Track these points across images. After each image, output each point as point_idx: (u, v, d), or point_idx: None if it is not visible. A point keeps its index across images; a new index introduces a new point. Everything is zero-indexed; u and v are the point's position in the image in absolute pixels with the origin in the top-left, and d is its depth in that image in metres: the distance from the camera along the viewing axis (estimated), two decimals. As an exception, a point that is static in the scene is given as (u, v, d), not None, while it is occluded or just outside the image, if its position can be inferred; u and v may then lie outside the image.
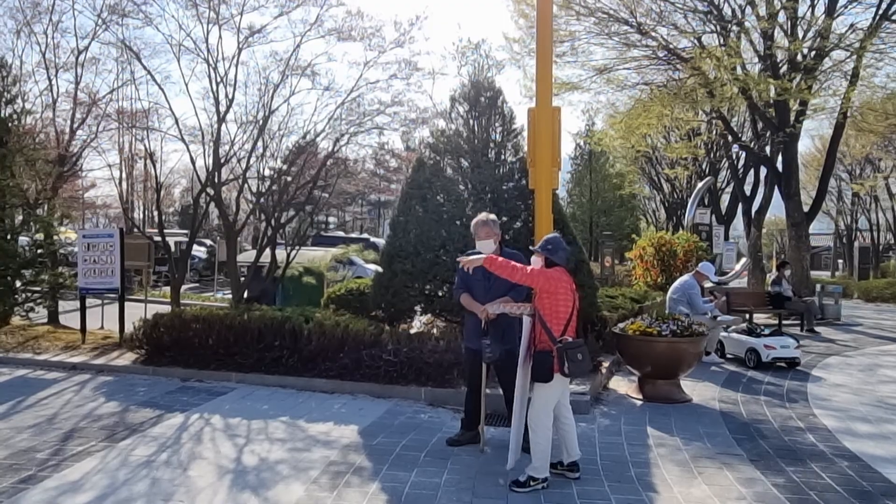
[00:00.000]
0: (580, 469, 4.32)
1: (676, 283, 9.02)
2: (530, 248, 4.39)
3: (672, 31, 15.40)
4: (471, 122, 8.14)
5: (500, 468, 4.41)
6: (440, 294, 7.05)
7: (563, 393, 4.34)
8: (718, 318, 8.86)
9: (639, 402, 6.43)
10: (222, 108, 9.19)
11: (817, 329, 12.42)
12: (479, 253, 4.42)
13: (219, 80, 9.22)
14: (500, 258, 4.24)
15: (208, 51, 9.25)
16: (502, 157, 8.02)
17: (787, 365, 8.24)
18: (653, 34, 15.37)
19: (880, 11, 13.69)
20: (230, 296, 9.64)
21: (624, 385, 7.08)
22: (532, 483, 4.08)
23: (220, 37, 9.47)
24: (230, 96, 9.29)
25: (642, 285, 13.21)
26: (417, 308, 7.21)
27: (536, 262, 4.36)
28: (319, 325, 6.69)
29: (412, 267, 7.11)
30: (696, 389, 6.93)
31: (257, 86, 9.85)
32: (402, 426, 5.41)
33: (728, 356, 8.75)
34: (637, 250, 13.94)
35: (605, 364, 7.37)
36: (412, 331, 6.95)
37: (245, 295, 8.25)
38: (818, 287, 15.16)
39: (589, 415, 5.82)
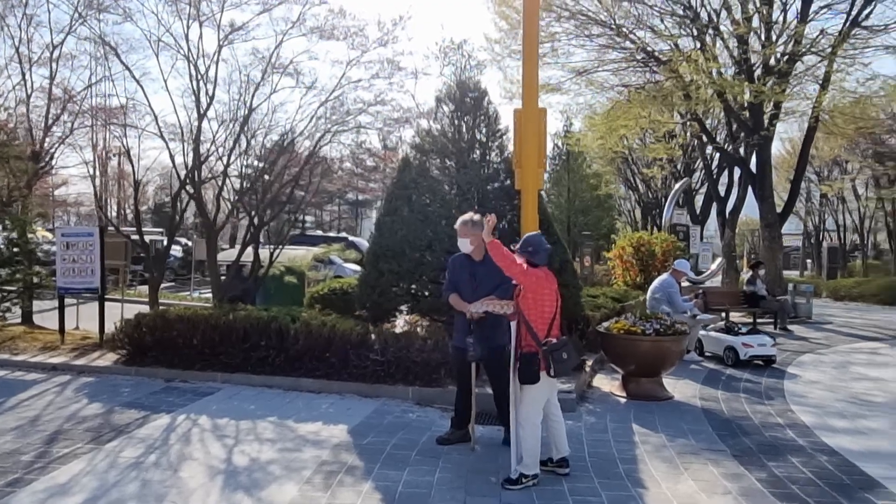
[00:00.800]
0: (570, 465, 4.39)
1: (656, 283, 9.19)
2: (512, 248, 4.45)
3: (650, 34, 15.64)
4: (456, 122, 8.17)
5: (491, 466, 4.46)
6: (426, 294, 7.08)
7: (551, 391, 4.41)
8: (698, 317, 9.04)
9: (623, 400, 6.54)
10: (203, 106, 9.10)
11: (790, 327, 12.73)
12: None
13: (199, 77, 9.12)
14: (505, 248, 4.27)
15: (189, 47, 9.15)
16: (487, 157, 8.08)
17: (763, 363, 8.44)
18: (631, 37, 15.59)
19: (851, 18, 14.06)
20: (208, 295, 9.54)
21: (608, 383, 7.19)
22: (524, 480, 4.14)
23: (201, 33, 9.36)
24: (211, 93, 9.20)
25: (622, 285, 13.40)
26: (403, 308, 7.23)
27: (519, 261, 4.42)
28: (306, 325, 6.67)
29: (399, 267, 7.13)
30: (678, 387, 7.07)
31: (238, 83, 9.74)
32: (391, 425, 5.43)
33: (707, 354, 8.94)
34: (617, 250, 14.13)
35: (589, 362, 7.48)
36: (397, 330, 6.96)
37: (227, 294, 8.18)
38: (791, 286, 15.53)
39: (575, 412, 5.90)
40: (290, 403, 6.07)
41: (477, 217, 4.87)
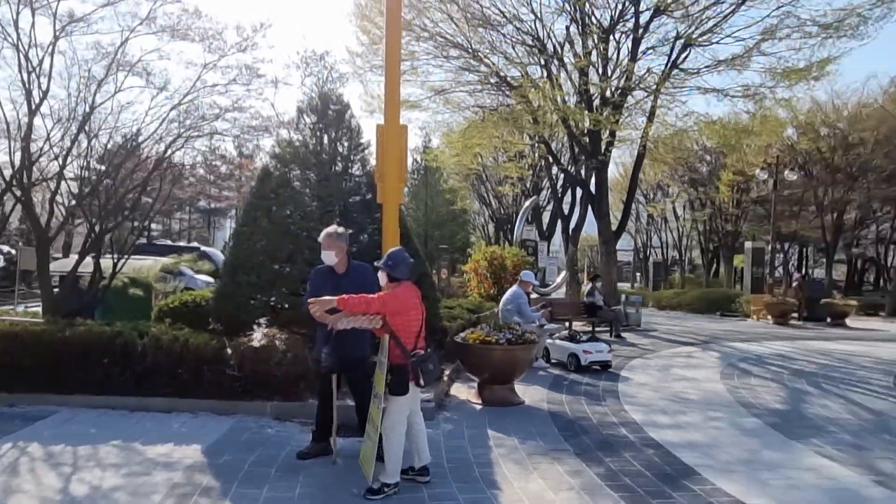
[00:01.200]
0: (430, 473, 4.57)
1: (507, 295, 9.77)
2: (375, 264, 4.58)
3: (503, 60, 16.63)
4: (318, 134, 8.17)
5: (353, 478, 4.51)
6: (286, 306, 6.97)
7: (414, 400, 4.58)
8: (545, 327, 9.73)
9: (478, 407, 6.88)
10: (35, 100, 8.23)
11: (623, 334, 14.07)
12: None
13: (31, 68, 8.24)
14: (353, 298, 4.34)
15: (18, 35, 8.24)
16: (350, 170, 8.15)
17: (601, 367, 9.28)
18: (486, 61, 16.48)
19: (671, 60, 15.97)
20: (37, 309, 8.61)
21: (464, 391, 7.52)
22: (386, 490, 4.25)
23: (34, 21, 8.47)
24: (45, 87, 8.35)
25: (477, 296, 14.02)
26: (262, 321, 7.05)
27: (382, 277, 4.56)
28: (156, 340, 6.28)
29: (258, 279, 6.95)
30: (528, 392, 7.57)
31: (78, 78, 8.93)
32: (249, 442, 5.29)
33: (553, 361, 9.65)
34: (472, 263, 14.76)
35: (447, 372, 7.77)
36: (255, 344, 6.76)
37: (64, 308, 7.43)
38: (623, 297, 17.14)
39: (434, 420, 6.12)
40: (137, 424, 5.68)
41: (341, 229, 4.94)
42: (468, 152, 18.70)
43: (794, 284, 22.51)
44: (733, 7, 14.88)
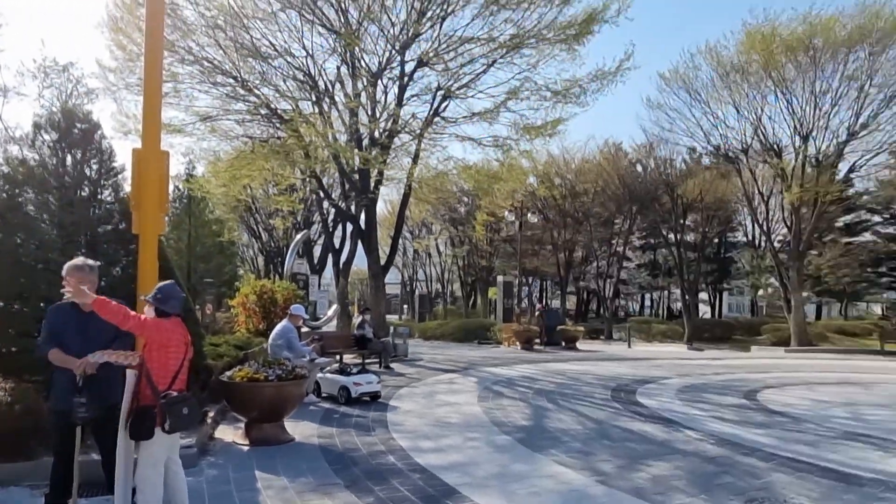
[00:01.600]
0: (192, 523, 4.28)
1: (276, 329, 9.58)
2: (143, 297, 4.24)
3: (274, 92, 16.47)
4: (60, 153, 7.23)
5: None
6: (14, 349, 5.98)
7: (171, 447, 4.27)
8: (316, 361, 9.71)
9: (246, 448, 6.60)
10: None
11: (392, 365, 14.59)
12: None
13: None
14: (114, 301, 3.99)
15: None
16: (99, 196, 7.34)
17: (371, 398, 9.52)
18: (256, 92, 16.16)
19: (433, 108, 17.36)
20: None
21: (230, 433, 7.15)
22: (143, 547, 3.89)
23: None
24: None
25: (245, 332, 13.41)
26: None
27: (149, 311, 4.25)
28: None
29: (-26, 319, 5.87)
30: (298, 428, 7.46)
31: None
32: (-41, 517, 4.42)
33: (324, 395, 9.64)
34: (241, 297, 14.12)
35: (212, 413, 7.32)
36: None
37: None
38: (392, 329, 17.80)
39: (196, 467, 5.72)
40: None
41: (92, 262, 4.46)
42: (237, 183, 17.99)
43: (537, 314, 25.51)
44: (485, 67, 16.79)
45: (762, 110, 24.91)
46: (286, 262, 19.68)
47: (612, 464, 6.14)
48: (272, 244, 32.31)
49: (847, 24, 22.20)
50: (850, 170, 26.66)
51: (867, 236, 38.29)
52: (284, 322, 9.65)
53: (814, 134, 24.18)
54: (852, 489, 5.40)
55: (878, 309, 41.04)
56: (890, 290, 39.39)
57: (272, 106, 16.43)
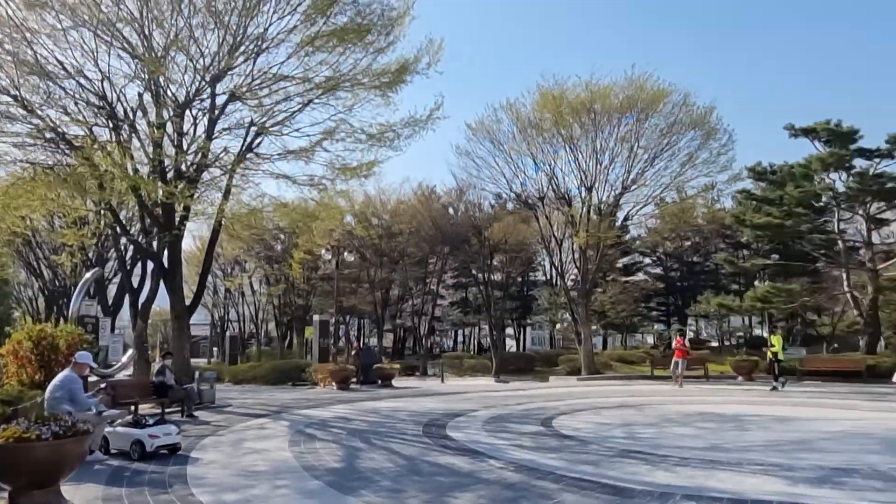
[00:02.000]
0: None
1: (56, 380, 8.54)
2: None
3: (63, 115, 14.88)
4: None
5: None
6: None
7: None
8: (104, 414, 8.78)
9: (10, 521, 5.76)
10: None
11: (196, 413, 13.60)
12: None
13: None
14: None
15: None
16: None
17: (169, 451, 8.81)
18: (39, 113, 14.48)
19: (246, 143, 16.87)
20: None
21: (-10, 505, 6.19)
22: None
23: None
24: None
25: (16, 384, 11.65)
26: None
27: None
28: None
29: None
30: (79, 492, 6.69)
31: None
32: None
33: (113, 451, 8.72)
34: (11, 345, 12.27)
35: (-34, 485, 6.27)
36: None
37: None
38: (197, 374, 16.63)
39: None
40: None
41: None
42: (12, 213, 15.76)
43: (353, 353, 25.51)
44: (301, 106, 16.77)
45: (555, 163, 28.03)
46: (72, 303, 17.58)
47: (420, 499, 6.37)
48: (57, 283, 28.55)
49: (619, 93, 26.06)
50: (626, 218, 30.91)
51: (640, 276, 44.42)
52: (67, 371, 8.62)
53: (596, 186, 27.68)
54: (626, 501, 6.20)
55: (650, 339, 47.18)
56: (658, 323, 45.80)
57: (60, 130, 14.79)
